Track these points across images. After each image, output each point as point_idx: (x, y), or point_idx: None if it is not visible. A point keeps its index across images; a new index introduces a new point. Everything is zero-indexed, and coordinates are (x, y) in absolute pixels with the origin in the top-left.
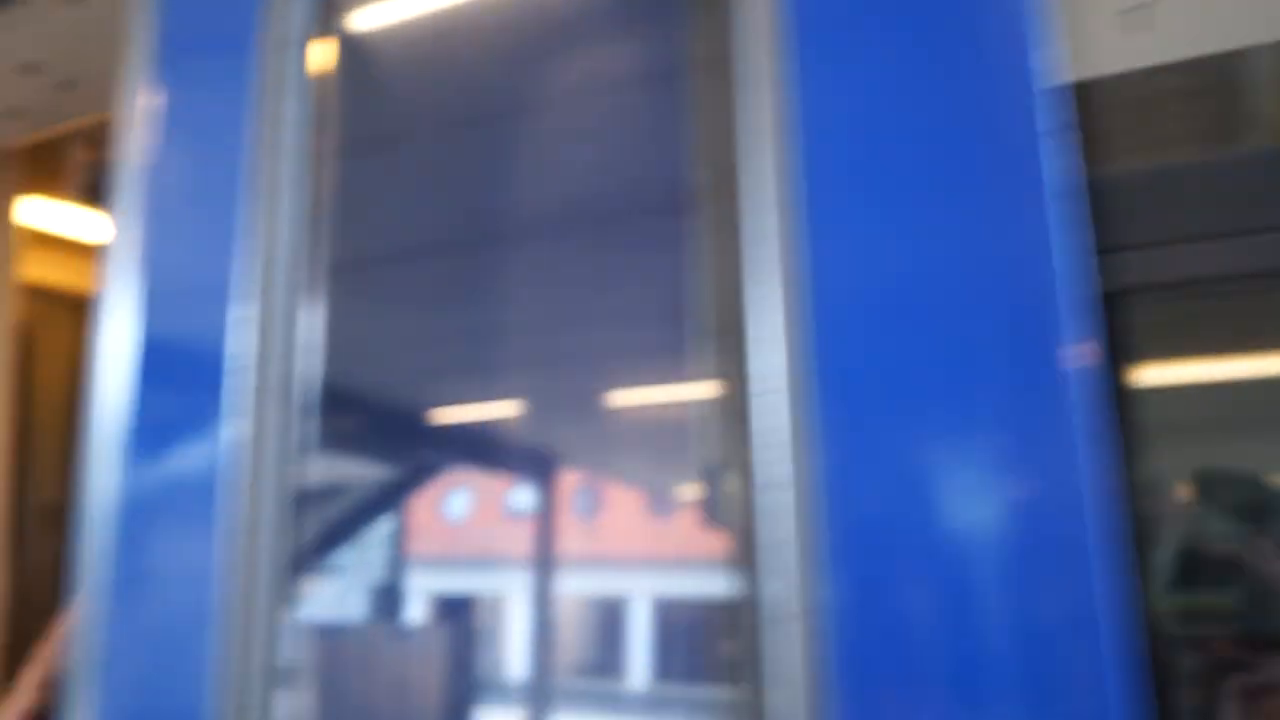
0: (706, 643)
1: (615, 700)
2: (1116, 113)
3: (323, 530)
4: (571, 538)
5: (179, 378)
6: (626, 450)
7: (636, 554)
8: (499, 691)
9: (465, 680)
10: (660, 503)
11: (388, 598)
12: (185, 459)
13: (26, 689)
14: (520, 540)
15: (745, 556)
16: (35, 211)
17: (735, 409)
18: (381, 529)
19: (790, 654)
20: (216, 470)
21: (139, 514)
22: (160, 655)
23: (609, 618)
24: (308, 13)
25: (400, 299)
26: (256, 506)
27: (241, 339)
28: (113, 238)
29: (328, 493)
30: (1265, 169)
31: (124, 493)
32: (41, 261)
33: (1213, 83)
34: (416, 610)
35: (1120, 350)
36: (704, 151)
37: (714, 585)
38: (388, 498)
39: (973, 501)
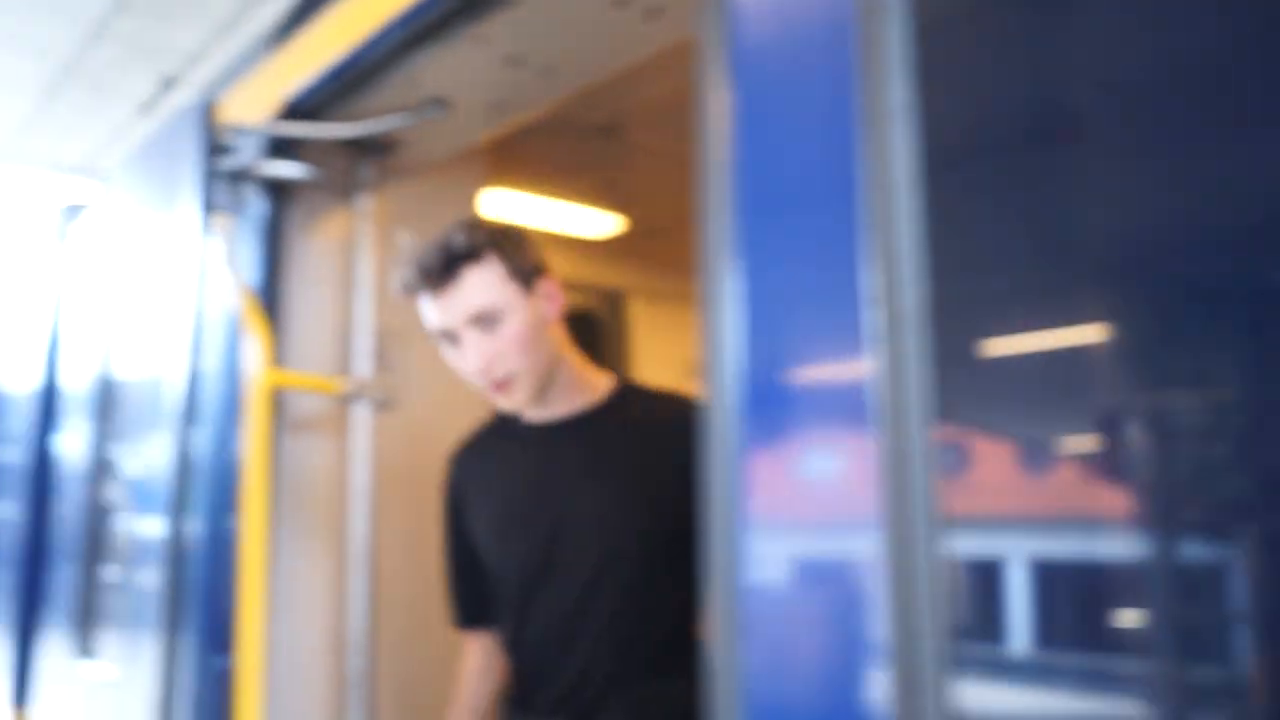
0: (1098, 608)
1: (995, 665)
2: None
3: None
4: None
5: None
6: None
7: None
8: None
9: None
10: (1043, 456)
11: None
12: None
13: None
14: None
15: None
16: (497, 202)
17: None
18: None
19: None
20: (864, 413)
21: (772, 482)
22: (812, 631)
23: (983, 579)
24: None
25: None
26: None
27: (871, 270)
28: (707, 192)
29: None
30: None
31: (753, 447)
32: None
33: None
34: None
35: None
36: None
37: (1102, 546)
38: None
39: None
